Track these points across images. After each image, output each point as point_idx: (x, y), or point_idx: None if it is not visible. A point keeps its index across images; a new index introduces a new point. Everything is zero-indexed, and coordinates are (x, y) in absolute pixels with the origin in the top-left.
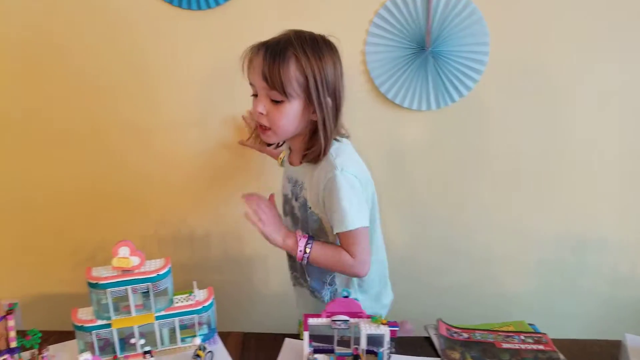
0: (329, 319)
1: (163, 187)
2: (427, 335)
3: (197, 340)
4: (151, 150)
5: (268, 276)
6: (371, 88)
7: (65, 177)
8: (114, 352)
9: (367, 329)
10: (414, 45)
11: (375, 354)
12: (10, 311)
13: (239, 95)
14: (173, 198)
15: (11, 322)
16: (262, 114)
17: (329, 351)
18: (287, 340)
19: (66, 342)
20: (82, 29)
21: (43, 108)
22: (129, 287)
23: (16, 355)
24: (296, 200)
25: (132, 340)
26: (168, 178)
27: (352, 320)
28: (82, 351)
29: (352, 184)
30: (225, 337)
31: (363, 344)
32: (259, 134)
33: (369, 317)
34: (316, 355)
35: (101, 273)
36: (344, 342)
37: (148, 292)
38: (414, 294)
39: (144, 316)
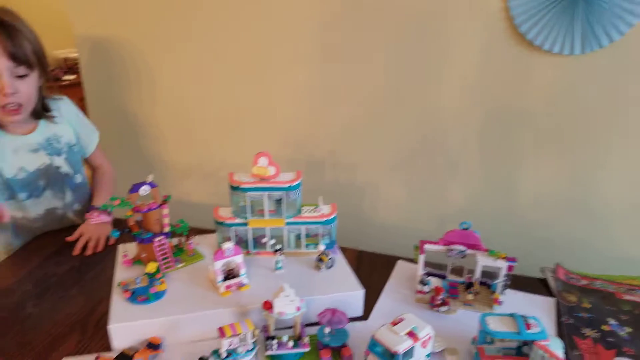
0: (445, 247)
1: (285, 116)
2: (541, 277)
3: (322, 247)
4: (283, 81)
5: (377, 205)
6: (508, 26)
7: (211, 97)
8: (247, 248)
9: (484, 260)
10: None
11: (487, 285)
12: (165, 201)
13: None
14: (294, 124)
15: (165, 211)
16: (12, 94)
17: (442, 277)
18: (400, 262)
19: (206, 235)
20: None
21: None
22: (265, 193)
23: (168, 238)
24: (59, 155)
25: (263, 240)
26: (288, 108)
27: (469, 250)
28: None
29: None
30: (342, 251)
31: (478, 274)
32: (7, 117)
33: (486, 250)
34: (429, 278)
35: (242, 178)
36: (456, 271)
37: (280, 200)
38: (520, 247)
39: (275, 220)
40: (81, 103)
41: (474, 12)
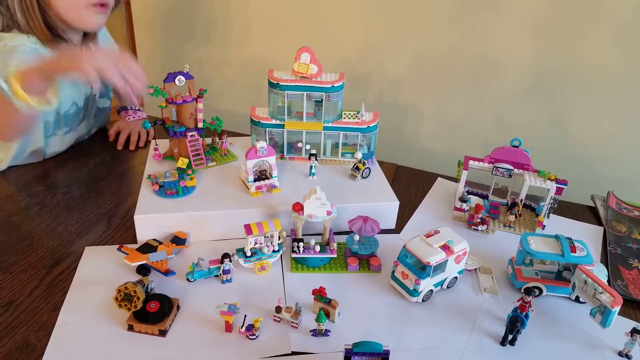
0: (490, 165)
1: (335, 28)
2: (591, 205)
3: (359, 155)
4: None
5: (421, 128)
6: None
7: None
8: (281, 152)
9: (531, 180)
10: None
11: (531, 208)
12: (200, 95)
13: None
14: (342, 37)
15: (200, 105)
16: None
17: (483, 197)
18: (440, 179)
19: (241, 137)
20: None
21: None
22: (304, 93)
23: (201, 135)
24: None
25: (299, 145)
26: (339, 20)
27: (516, 170)
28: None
29: None
30: (379, 165)
31: (523, 195)
32: (93, 17)
33: (535, 170)
34: (470, 196)
35: (282, 75)
36: (499, 192)
37: (321, 102)
38: (571, 177)
39: (313, 124)
40: (127, 6)
41: None
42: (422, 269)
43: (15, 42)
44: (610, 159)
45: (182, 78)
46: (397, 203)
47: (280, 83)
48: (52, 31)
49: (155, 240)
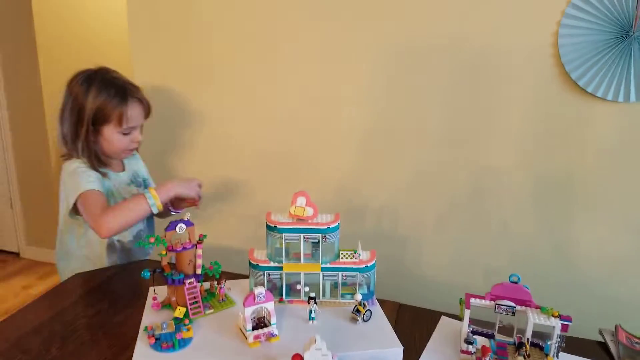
0: (492, 302)
1: (329, 162)
2: (600, 339)
3: (359, 296)
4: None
5: (420, 258)
6: (560, 73)
7: (255, 141)
8: (280, 295)
9: (535, 318)
10: (616, 29)
11: (539, 347)
12: (200, 241)
13: None
14: (336, 172)
15: (199, 251)
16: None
17: (489, 336)
18: (444, 318)
19: (239, 280)
20: None
21: None
22: (302, 235)
23: (199, 281)
24: (140, 187)
25: (298, 287)
26: (332, 155)
27: (518, 307)
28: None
29: None
30: (380, 304)
31: (529, 334)
32: (126, 154)
33: (537, 306)
34: (475, 336)
35: (279, 218)
36: (505, 330)
37: (318, 242)
38: (575, 307)
39: (311, 265)
40: None
41: (524, 58)
42: None
43: (75, 165)
44: (615, 285)
45: (183, 226)
46: (401, 349)
47: (278, 226)
48: (98, 160)
49: None
